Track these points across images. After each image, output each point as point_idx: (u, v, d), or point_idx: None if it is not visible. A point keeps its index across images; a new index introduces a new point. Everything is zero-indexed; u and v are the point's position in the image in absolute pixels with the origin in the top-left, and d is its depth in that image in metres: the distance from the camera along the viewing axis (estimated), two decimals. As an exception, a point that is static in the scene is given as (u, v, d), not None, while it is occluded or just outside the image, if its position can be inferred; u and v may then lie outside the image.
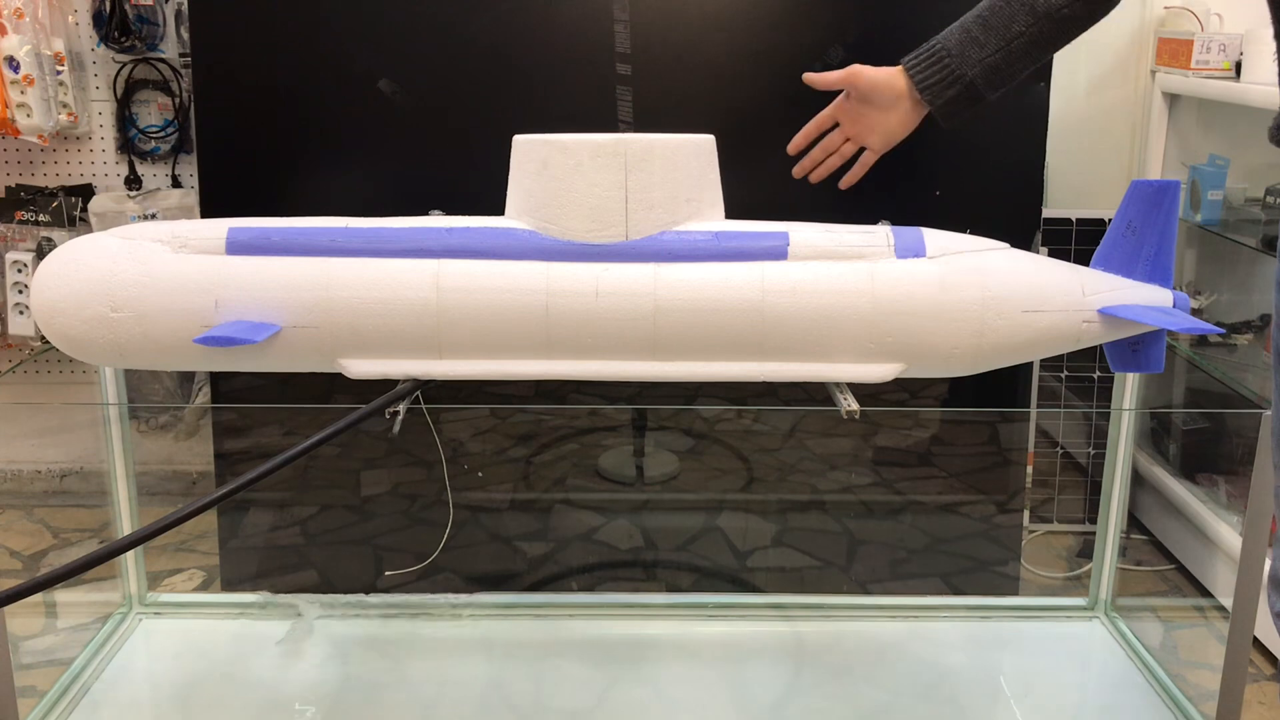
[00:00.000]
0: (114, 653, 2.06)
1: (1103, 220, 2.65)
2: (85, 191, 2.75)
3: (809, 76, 1.58)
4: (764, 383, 1.37)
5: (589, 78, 2.17)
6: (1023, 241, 1.84)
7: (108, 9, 2.55)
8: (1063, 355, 1.68)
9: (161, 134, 2.73)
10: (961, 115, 1.49)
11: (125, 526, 2.17)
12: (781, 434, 2.50)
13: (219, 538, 2.44)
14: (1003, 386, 2.33)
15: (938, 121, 1.52)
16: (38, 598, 2.27)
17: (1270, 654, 2.28)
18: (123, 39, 2.56)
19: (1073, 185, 2.87)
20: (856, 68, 1.53)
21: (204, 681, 1.98)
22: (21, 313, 2.73)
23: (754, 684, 1.98)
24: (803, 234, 1.37)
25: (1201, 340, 2.64)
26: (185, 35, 2.62)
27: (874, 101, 1.53)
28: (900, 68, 1.50)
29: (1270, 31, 1.33)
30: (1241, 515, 2.38)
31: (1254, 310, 2.69)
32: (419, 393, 1.40)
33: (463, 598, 2.24)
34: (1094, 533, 2.28)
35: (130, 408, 2.45)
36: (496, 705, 1.92)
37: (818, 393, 1.48)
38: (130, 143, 2.73)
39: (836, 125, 1.62)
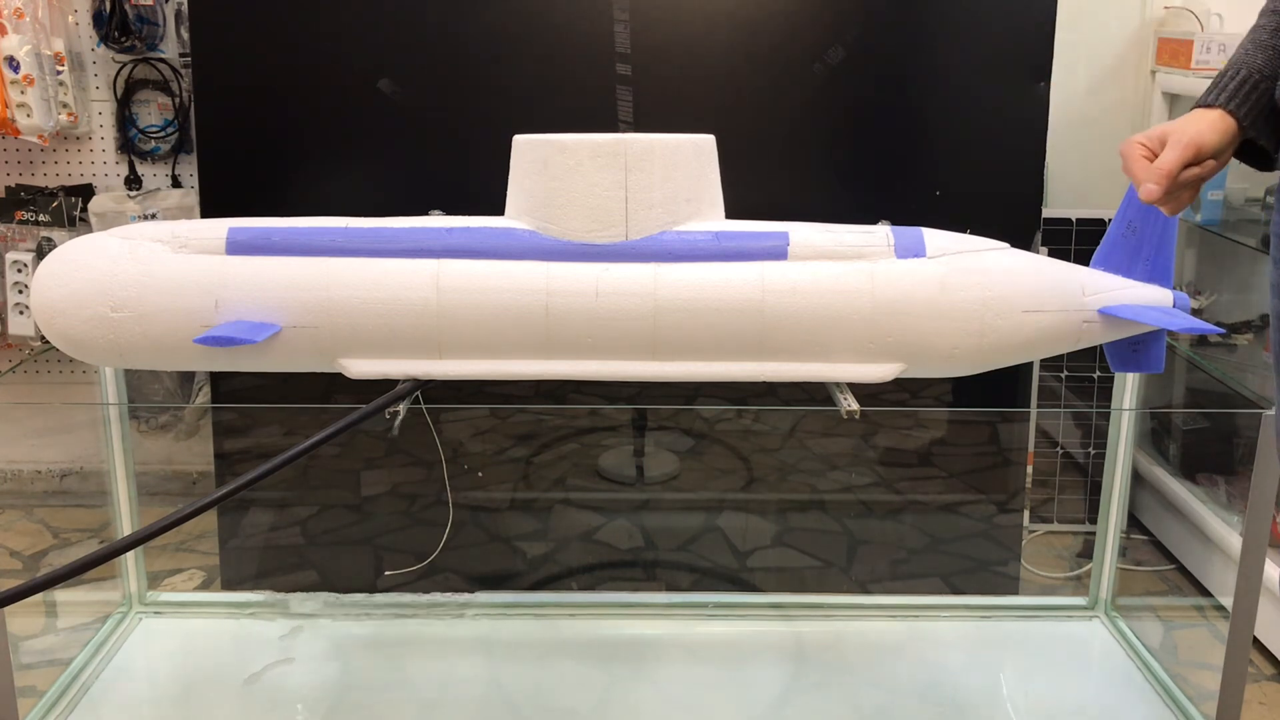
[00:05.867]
0: (114, 652, 2.06)
1: (1103, 220, 2.65)
2: (85, 191, 2.74)
3: (1157, 177, 1.31)
4: (764, 383, 1.37)
5: (589, 78, 2.17)
6: (1023, 241, 1.83)
7: (108, 9, 2.55)
8: (1063, 355, 1.68)
9: (161, 134, 2.73)
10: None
11: (125, 526, 2.17)
12: (781, 434, 2.50)
13: (219, 538, 2.44)
14: (1003, 386, 2.33)
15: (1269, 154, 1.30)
16: (38, 598, 2.27)
17: (1270, 654, 2.28)
18: (123, 39, 2.56)
19: (1073, 185, 2.86)
20: (1198, 142, 1.28)
21: (204, 681, 1.98)
22: (21, 313, 2.73)
23: (754, 684, 1.98)
24: (803, 234, 1.37)
25: (1201, 340, 2.64)
26: (185, 35, 2.62)
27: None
28: (1219, 112, 1.27)
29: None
30: (1241, 515, 2.38)
31: (1254, 310, 2.69)
32: (419, 393, 1.40)
33: (463, 597, 2.24)
34: (1094, 533, 2.28)
35: (130, 408, 2.45)
36: (496, 705, 1.92)
37: (818, 393, 1.47)
38: (130, 143, 2.73)
39: None
